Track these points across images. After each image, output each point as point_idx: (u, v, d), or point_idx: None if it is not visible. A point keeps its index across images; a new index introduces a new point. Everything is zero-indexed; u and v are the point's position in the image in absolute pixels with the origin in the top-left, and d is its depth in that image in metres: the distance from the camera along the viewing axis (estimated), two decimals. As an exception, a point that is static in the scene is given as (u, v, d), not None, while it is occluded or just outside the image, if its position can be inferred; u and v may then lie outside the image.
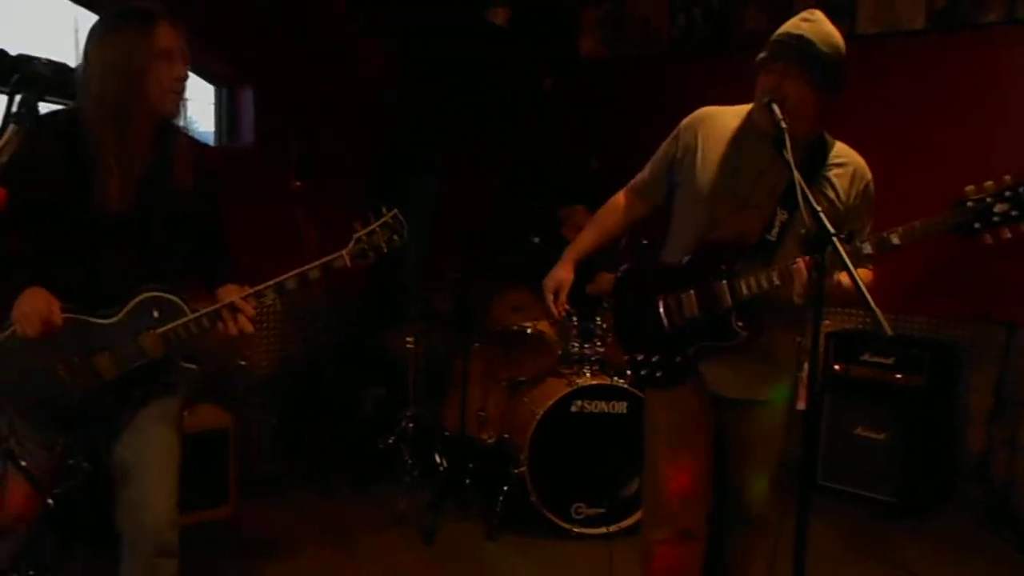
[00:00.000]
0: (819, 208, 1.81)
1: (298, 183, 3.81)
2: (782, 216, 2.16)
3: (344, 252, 2.16)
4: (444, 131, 4.76)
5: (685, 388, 2.29)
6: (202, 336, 2.12)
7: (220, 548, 3.44)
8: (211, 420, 3.64)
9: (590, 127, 5.14)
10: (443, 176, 4.69)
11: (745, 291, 2.14)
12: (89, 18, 3.49)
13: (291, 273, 2.13)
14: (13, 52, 1.86)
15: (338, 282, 4.39)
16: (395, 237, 2.21)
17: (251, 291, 2.13)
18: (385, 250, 2.19)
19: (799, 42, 2.09)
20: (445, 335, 4.46)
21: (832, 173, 2.19)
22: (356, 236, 2.18)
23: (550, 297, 2.48)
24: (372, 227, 2.19)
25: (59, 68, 1.92)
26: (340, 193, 4.47)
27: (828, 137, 2.25)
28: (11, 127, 1.72)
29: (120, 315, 2.08)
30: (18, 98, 1.76)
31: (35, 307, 1.95)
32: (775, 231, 2.16)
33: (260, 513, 3.79)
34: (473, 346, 4.09)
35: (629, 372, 2.45)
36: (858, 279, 1.65)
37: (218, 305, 2.11)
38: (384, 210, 2.21)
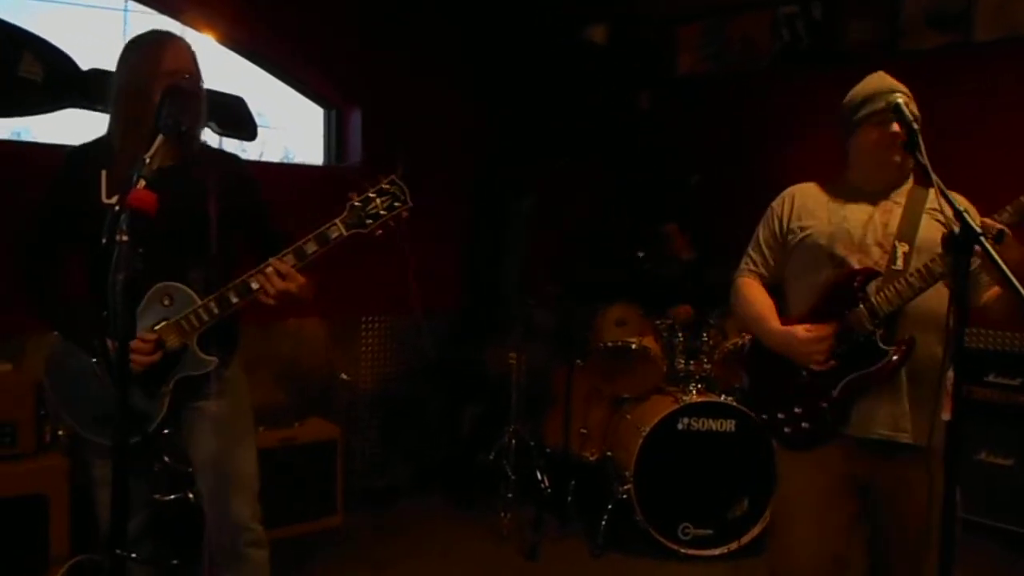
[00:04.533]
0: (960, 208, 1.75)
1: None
2: (903, 248, 2.13)
3: (338, 220, 2.06)
4: (543, 149, 4.78)
5: (828, 451, 2.15)
6: (214, 320, 2.09)
7: (327, 558, 3.50)
8: (320, 432, 3.72)
9: (689, 144, 5.09)
10: (543, 194, 4.70)
11: (886, 306, 2.07)
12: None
13: (288, 249, 2.08)
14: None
15: (438, 299, 4.52)
16: (396, 204, 2.06)
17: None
18: (386, 218, 2.06)
19: (901, 89, 2.15)
20: (546, 351, 4.45)
21: (937, 204, 2.12)
22: (350, 204, 2.06)
23: (819, 355, 2.17)
24: (367, 194, 2.05)
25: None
26: (443, 211, 4.55)
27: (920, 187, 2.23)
28: (159, 137, 1.81)
29: (139, 308, 2.10)
30: (166, 110, 1.86)
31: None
32: (899, 261, 2.11)
33: (364, 525, 3.84)
34: (575, 362, 4.07)
35: (772, 434, 2.29)
36: (1011, 275, 1.56)
37: (227, 286, 2.07)
38: (380, 177, 2.08)
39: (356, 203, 2.06)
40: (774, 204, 2.38)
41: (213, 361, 2.16)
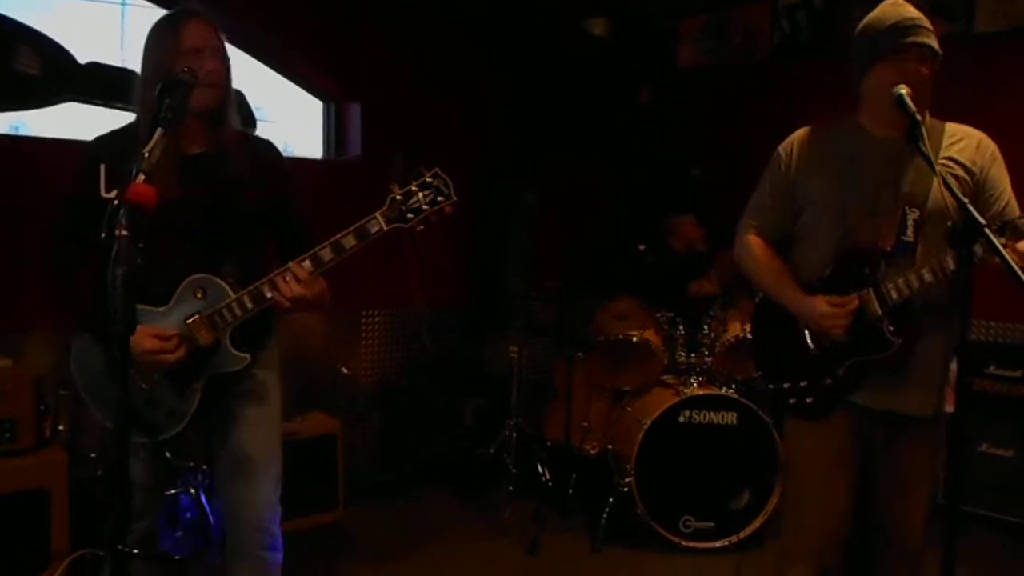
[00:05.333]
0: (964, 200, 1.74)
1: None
2: (913, 214, 2.09)
3: (378, 214, 1.97)
4: (544, 142, 4.76)
5: (834, 419, 2.17)
6: (247, 317, 2.02)
7: (328, 552, 3.50)
8: (320, 426, 3.72)
9: (690, 136, 5.07)
10: (544, 187, 4.69)
11: (895, 295, 2.06)
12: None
13: (326, 243, 2.00)
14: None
15: (439, 293, 4.51)
16: (439, 199, 1.97)
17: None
18: (428, 212, 1.97)
19: (920, 23, 2.06)
20: (547, 345, 4.45)
21: (953, 151, 2.13)
22: (391, 197, 1.98)
23: (839, 324, 2.13)
24: (409, 187, 1.97)
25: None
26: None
27: (937, 120, 2.17)
28: (159, 130, 1.79)
29: (172, 302, 2.05)
30: (165, 103, 1.84)
31: (143, 350, 1.96)
32: (910, 230, 2.08)
33: (365, 520, 3.84)
34: (576, 356, 4.06)
35: (778, 403, 2.31)
36: (1017, 269, 1.55)
37: (262, 280, 2.01)
38: (423, 170, 1.99)
39: (398, 196, 1.97)
40: (781, 152, 2.29)
41: (246, 358, 2.09)
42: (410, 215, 1.97)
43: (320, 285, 2.04)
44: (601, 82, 5.09)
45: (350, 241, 1.99)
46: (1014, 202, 2.12)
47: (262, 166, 2.15)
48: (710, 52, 5.25)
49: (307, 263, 2.00)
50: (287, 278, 1.99)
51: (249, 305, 2.03)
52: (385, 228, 1.98)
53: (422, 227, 1.99)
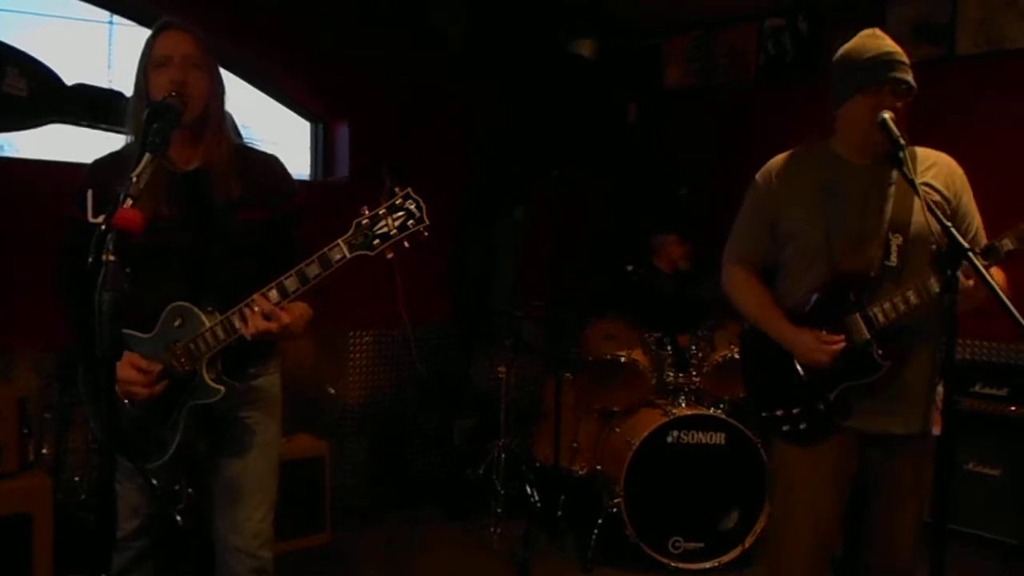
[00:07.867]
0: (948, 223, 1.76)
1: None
2: (896, 240, 2.11)
3: (341, 241, 1.85)
4: (533, 159, 4.78)
5: (827, 444, 2.18)
6: (222, 347, 1.95)
7: (316, 575, 3.46)
8: (307, 448, 3.69)
9: (677, 156, 5.12)
10: (532, 206, 4.70)
11: (882, 318, 2.08)
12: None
13: (290, 271, 1.91)
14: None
15: (427, 312, 4.50)
16: (409, 223, 1.83)
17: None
18: (397, 238, 1.84)
19: (898, 58, 2.10)
20: (535, 364, 4.44)
21: (928, 176, 2.16)
22: (356, 222, 1.84)
23: (827, 356, 2.14)
24: (377, 211, 1.83)
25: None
26: (432, 223, 4.53)
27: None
28: (146, 155, 1.79)
29: (156, 329, 2.00)
30: (153, 128, 1.83)
31: (121, 377, 1.93)
32: (894, 256, 2.11)
33: (353, 542, 3.80)
34: (564, 376, 4.06)
35: (770, 430, 2.31)
36: (1000, 293, 1.57)
37: (232, 311, 1.93)
38: (397, 190, 1.85)
39: (364, 221, 1.85)
40: (759, 181, 2.30)
41: (220, 390, 1.99)
42: (376, 241, 1.84)
43: (291, 315, 1.95)
44: (589, 100, 5.13)
45: (314, 270, 1.89)
46: (982, 230, 2.17)
47: (258, 184, 2.08)
48: (696, 73, 5.30)
49: (273, 292, 1.92)
50: (254, 309, 1.91)
51: (221, 336, 1.96)
52: (348, 256, 1.86)
53: (392, 255, 1.86)
